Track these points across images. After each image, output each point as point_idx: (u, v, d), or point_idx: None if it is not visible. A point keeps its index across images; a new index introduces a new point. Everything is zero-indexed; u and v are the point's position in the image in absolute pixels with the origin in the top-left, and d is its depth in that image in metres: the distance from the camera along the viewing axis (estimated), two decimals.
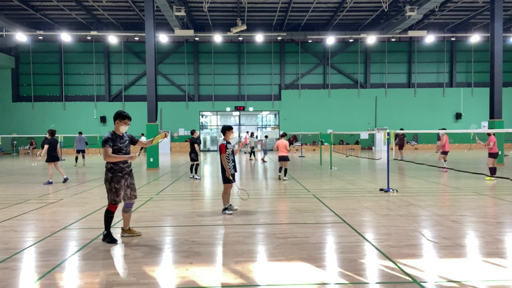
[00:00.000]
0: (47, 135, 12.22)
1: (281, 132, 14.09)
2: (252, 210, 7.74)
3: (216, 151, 31.50)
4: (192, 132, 13.50)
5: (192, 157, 13.02)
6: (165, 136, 5.91)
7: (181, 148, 32.49)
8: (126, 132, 5.67)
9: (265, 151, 21.72)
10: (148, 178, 13.50)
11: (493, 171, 11.77)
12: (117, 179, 5.44)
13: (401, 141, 20.21)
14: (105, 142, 5.34)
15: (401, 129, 19.24)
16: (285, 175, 12.61)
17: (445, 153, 14.40)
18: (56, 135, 12.63)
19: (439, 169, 14.49)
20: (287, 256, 4.80)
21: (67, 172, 15.54)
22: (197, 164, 13.19)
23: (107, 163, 5.45)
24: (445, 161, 14.43)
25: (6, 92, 32.62)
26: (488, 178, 11.76)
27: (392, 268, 4.39)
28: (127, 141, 5.59)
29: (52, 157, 12.02)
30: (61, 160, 15.42)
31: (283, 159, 12.43)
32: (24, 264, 4.69)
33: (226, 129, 7.48)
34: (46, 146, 11.94)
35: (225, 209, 7.40)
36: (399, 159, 19.48)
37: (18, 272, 4.39)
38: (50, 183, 11.93)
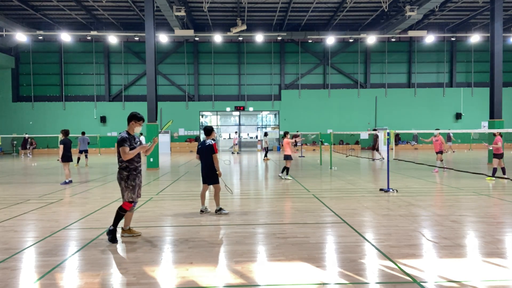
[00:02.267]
0: (60, 135, 12.28)
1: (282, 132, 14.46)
2: (252, 210, 7.74)
3: None
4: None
5: None
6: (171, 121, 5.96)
7: (181, 148, 32.49)
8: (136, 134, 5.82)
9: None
10: (148, 178, 13.50)
11: (495, 171, 11.73)
12: (133, 177, 5.54)
13: (374, 142, 20.31)
14: (123, 142, 5.40)
15: (375, 129, 19.47)
16: (287, 174, 12.69)
17: (440, 152, 14.40)
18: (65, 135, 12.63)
19: (436, 169, 14.49)
20: (287, 256, 4.80)
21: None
22: None
23: (122, 162, 5.51)
24: (441, 160, 14.37)
25: (6, 92, 32.62)
26: (488, 178, 11.75)
27: (392, 268, 4.39)
28: (139, 142, 5.74)
29: (67, 157, 12.09)
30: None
31: (285, 158, 12.72)
32: (24, 264, 4.69)
33: (212, 130, 7.51)
34: (61, 146, 11.98)
35: (220, 209, 7.38)
36: (372, 159, 19.74)
37: (18, 272, 4.39)
38: (66, 183, 11.97)
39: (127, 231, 5.80)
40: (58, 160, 12.24)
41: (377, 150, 20.08)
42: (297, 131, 22.12)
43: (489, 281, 4.02)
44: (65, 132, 12.27)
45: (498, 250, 5.00)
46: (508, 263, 4.51)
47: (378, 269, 4.37)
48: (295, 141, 13.49)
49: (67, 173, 12.15)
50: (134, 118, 5.63)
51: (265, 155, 22.29)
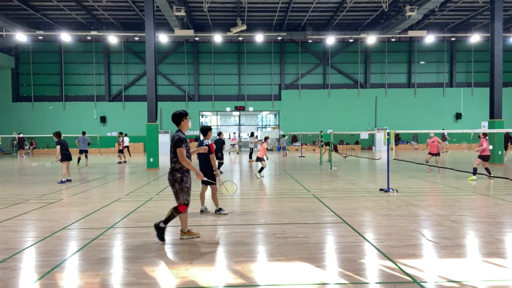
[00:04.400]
0: (54, 138, 12.40)
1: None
2: (252, 210, 7.74)
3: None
4: (219, 133, 14.55)
5: (218, 156, 13.75)
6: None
7: None
8: None
9: (284, 148, 25.46)
10: (148, 178, 13.50)
11: (475, 171, 11.78)
12: (186, 178, 5.43)
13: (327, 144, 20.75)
14: (180, 142, 5.24)
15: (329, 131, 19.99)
16: (260, 172, 13.52)
17: (438, 154, 14.31)
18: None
19: (429, 169, 14.49)
20: (287, 256, 4.80)
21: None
22: (221, 163, 14.39)
23: (176, 163, 5.35)
24: (426, 162, 14.22)
25: (6, 92, 32.62)
26: (470, 178, 11.79)
27: (392, 268, 4.39)
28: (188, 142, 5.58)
29: (67, 156, 12.24)
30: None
31: (257, 159, 14.04)
32: (24, 264, 4.69)
33: (208, 130, 7.48)
34: (58, 147, 12.14)
35: (220, 209, 7.37)
36: (344, 158, 20.19)
37: (18, 272, 4.39)
38: (63, 182, 12.11)
39: (186, 233, 5.66)
40: (56, 161, 12.31)
41: (336, 151, 20.47)
42: (321, 131, 21.74)
43: (489, 281, 4.02)
44: (57, 134, 12.44)
45: (498, 250, 5.00)
46: (508, 263, 4.51)
47: (378, 269, 4.37)
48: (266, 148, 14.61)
49: (64, 172, 12.22)
50: (183, 115, 5.45)
51: (250, 156, 21.72)
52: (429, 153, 14.39)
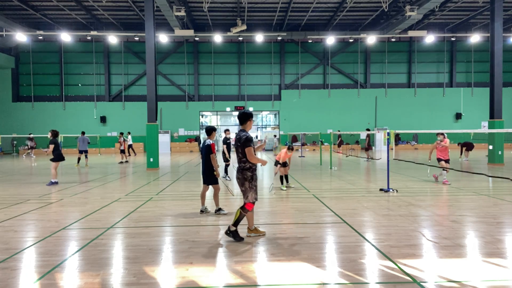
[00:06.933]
0: (49, 136, 12.02)
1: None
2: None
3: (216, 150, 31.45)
4: (225, 131, 12.95)
5: (227, 158, 12.71)
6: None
7: (181, 148, 32.49)
8: None
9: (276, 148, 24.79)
10: (148, 178, 13.50)
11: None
12: (255, 177, 5.53)
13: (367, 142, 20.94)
14: (249, 142, 5.36)
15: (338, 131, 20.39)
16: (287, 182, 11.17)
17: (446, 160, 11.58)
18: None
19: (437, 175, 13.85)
20: (287, 256, 4.80)
21: (69, 173, 15.55)
22: (227, 165, 12.89)
23: (246, 162, 5.44)
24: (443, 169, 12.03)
25: (6, 92, 32.62)
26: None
27: (392, 268, 4.39)
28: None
29: (59, 156, 11.84)
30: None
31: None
32: (24, 264, 4.69)
33: (213, 130, 7.50)
34: (51, 146, 11.74)
35: (219, 209, 7.38)
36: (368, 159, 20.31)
37: (18, 272, 4.39)
38: (53, 183, 11.75)
39: (253, 231, 5.77)
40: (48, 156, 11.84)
41: (369, 149, 20.46)
42: (339, 130, 20.46)
43: (489, 281, 4.02)
44: (54, 134, 11.97)
45: (498, 250, 5.00)
46: (508, 263, 4.51)
47: (378, 269, 4.37)
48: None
49: (53, 172, 11.85)
50: (250, 116, 5.57)
51: None
52: (441, 159, 11.37)
